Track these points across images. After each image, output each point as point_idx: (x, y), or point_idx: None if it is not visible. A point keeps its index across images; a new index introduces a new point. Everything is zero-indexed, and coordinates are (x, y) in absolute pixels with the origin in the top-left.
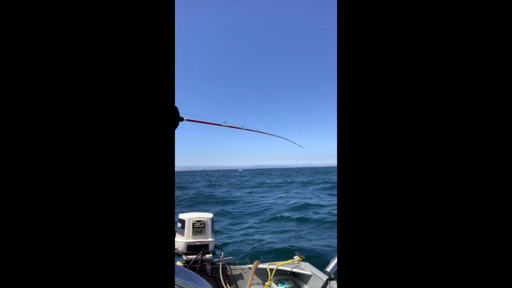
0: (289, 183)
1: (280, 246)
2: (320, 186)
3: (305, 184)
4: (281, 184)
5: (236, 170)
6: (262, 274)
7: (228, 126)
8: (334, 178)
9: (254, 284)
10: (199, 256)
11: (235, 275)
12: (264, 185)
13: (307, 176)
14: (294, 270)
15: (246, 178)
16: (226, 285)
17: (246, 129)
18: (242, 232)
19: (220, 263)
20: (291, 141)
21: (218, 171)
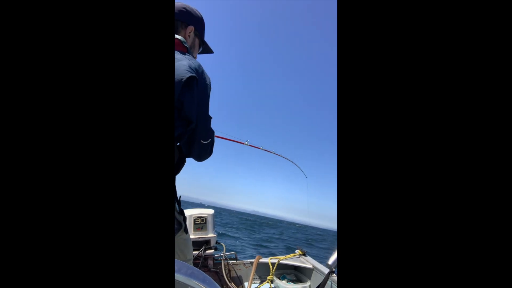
0: None
1: None
2: None
3: None
4: None
5: (228, 210)
6: (264, 269)
7: (250, 145)
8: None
9: (256, 278)
10: (201, 252)
11: (237, 270)
12: None
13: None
14: (295, 264)
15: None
16: (228, 280)
17: (264, 150)
18: None
19: (222, 259)
20: (297, 165)
21: (213, 207)
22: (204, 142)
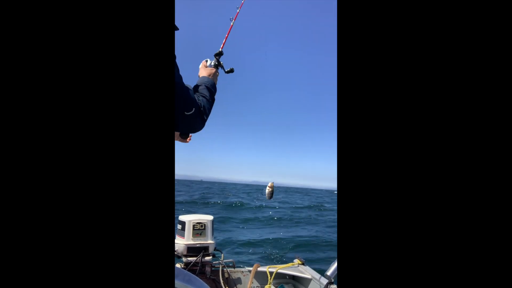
0: None
1: None
2: None
3: None
4: None
5: (230, 184)
6: (261, 277)
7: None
8: None
9: (254, 287)
10: (199, 258)
11: (235, 277)
12: None
13: None
14: (294, 273)
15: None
16: (225, 287)
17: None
18: None
19: (220, 266)
20: None
21: (214, 182)
22: (188, 113)
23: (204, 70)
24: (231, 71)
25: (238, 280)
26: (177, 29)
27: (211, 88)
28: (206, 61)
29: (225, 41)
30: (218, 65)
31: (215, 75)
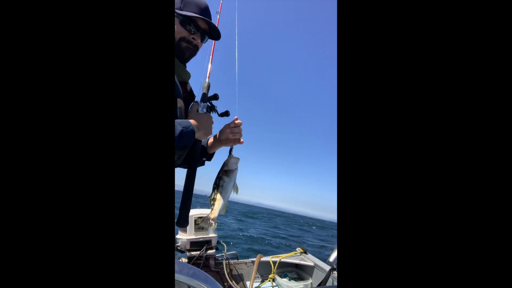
0: None
1: None
2: None
3: None
4: None
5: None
6: (265, 267)
7: None
8: None
9: (258, 277)
10: (202, 252)
11: (239, 269)
12: None
13: None
14: (297, 262)
15: None
16: (230, 279)
17: None
18: None
19: (224, 258)
20: None
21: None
22: None
23: (194, 116)
24: (226, 114)
25: (243, 271)
26: (218, 38)
27: (180, 133)
28: (197, 103)
29: (210, 65)
30: (211, 109)
31: (207, 123)
